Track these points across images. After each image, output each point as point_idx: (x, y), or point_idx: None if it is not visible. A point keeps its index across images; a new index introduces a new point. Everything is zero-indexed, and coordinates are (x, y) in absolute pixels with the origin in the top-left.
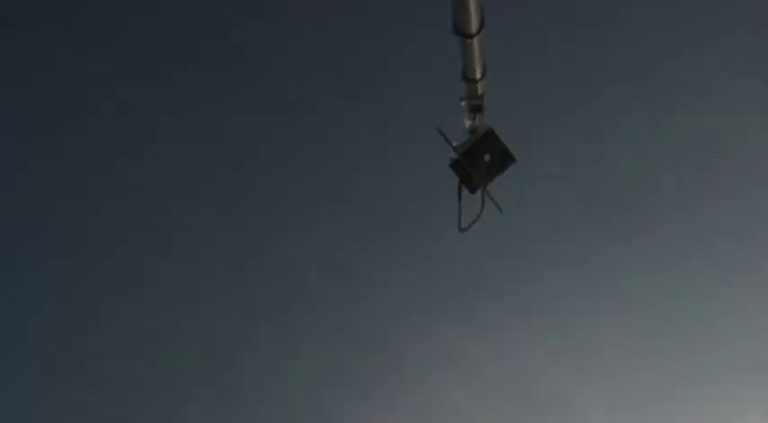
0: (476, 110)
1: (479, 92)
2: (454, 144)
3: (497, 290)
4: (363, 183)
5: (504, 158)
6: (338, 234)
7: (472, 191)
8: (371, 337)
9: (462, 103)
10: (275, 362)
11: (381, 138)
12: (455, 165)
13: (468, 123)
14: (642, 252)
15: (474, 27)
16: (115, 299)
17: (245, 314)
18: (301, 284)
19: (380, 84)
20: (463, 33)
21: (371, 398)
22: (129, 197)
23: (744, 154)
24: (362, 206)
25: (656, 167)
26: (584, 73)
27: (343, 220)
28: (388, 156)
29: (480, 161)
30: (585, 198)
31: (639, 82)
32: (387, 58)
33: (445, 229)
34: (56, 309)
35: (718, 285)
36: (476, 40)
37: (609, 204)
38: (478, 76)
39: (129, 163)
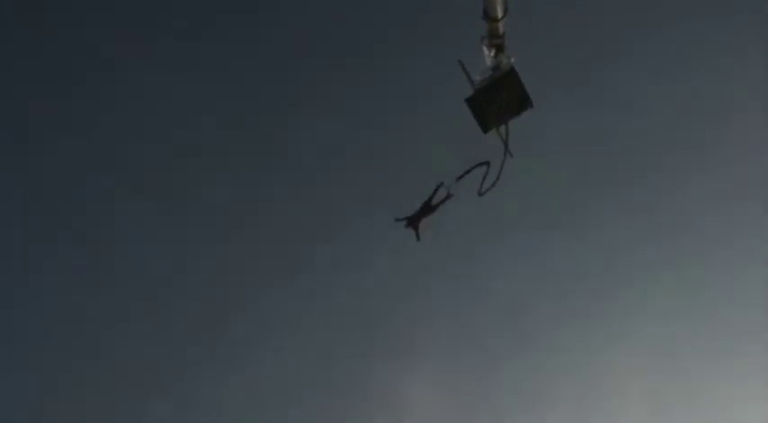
0: (497, 49)
1: (501, 31)
2: (478, 78)
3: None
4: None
5: (521, 101)
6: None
7: (485, 130)
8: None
9: (483, 44)
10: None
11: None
12: (471, 101)
13: (489, 60)
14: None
15: None
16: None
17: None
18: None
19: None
20: None
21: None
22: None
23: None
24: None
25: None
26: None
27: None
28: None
29: (497, 100)
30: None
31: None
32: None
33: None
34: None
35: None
36: None
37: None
38: (500, 14)
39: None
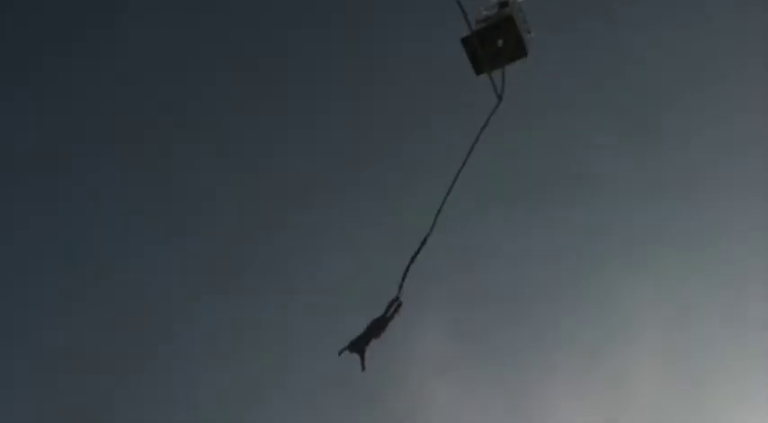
0: None
1: None
2: (484, 12)
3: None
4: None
5: (515, 49)
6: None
7: (477, 72)
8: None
9: None
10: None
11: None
12: (466, 41)
13: None
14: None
15: None
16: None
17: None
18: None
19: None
20: None
21: None
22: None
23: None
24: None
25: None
26: None
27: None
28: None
29: (492, 45)
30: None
31: None
32: None
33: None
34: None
35: None
36: None
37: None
38: None
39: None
